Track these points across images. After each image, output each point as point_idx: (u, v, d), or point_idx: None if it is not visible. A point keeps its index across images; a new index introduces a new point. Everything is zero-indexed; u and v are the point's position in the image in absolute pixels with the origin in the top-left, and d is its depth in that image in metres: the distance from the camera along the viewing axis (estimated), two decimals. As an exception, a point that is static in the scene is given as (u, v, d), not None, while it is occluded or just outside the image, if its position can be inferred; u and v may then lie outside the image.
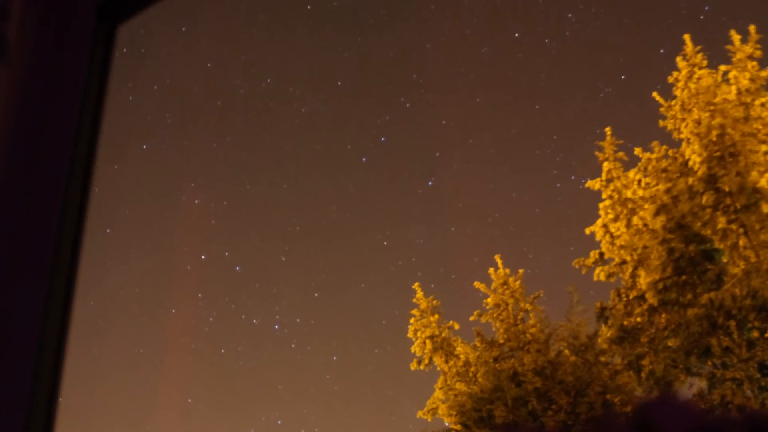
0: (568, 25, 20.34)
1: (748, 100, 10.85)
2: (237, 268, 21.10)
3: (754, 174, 10.41)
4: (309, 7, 21.43)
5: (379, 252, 20.92)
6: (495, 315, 12.61)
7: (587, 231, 12.32)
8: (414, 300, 13.33)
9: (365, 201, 22.88)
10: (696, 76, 11.35)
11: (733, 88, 10.94)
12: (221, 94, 22.61)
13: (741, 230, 10.48)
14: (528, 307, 12.56)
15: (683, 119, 11.44)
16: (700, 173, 10.82)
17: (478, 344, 12.69)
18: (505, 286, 12.71)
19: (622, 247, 11.93)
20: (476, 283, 12.90)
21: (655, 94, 11.95)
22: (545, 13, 21.09)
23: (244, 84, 22.57)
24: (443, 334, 13.01)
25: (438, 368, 12.92)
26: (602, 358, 11.74)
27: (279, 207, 23.10)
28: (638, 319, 11.55)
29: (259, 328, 20.33)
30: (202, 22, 21.72)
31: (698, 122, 11.04)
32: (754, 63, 10.96)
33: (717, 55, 11.48)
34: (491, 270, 12.84)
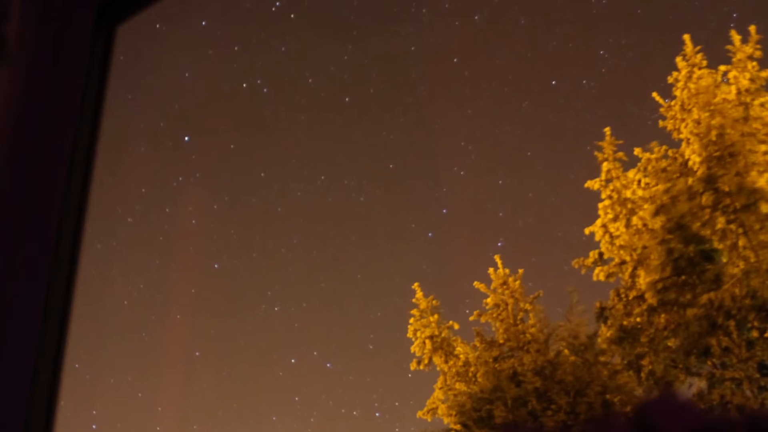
0: (601, 61, 20.25)
1: (748, 100, 10.85)
2: (328, 365, 21.10)
3: (753, 174, 10.41)
4: (347, 99, 21.91)
5: (466, 325, 21.24)
6: (495, 315, 12.61)
7: (587, 231, 12.32)
8: (413, 300, 13.34)
9: (441, 277, 22.85)
10: (696, 76, 11.36)
11: (733, 88, 10.95)
12: (281, 200, 23.10)
13: (740, 230, 10.48)
14: (528, 307, 12.56)
15: (683, 119, 11.45)
16: (699, 173, 10.82)
17: (477, 344, 12.69)
18: (504, 286, 12.71)
19: (621, 247, 11.93)
20: (476, 283, 12.90)
21: (654, 94, 11.96)
22: (578, 55, 20.98)
23: (300, 186, 22.92)
24: (443, 334, 13.01)
25: (438, 368, 12.92)
26: (602, 358, 11.74)
27: (359, 297, 23.16)
28: (638, 319, 11.55)
29: (360, 419, 20.17)
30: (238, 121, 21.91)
31: (698, 122, 11.04)
32: (754, 63, 10.98)
33: (719, 55, 11.48)
34: (491, 270, 12.84)
